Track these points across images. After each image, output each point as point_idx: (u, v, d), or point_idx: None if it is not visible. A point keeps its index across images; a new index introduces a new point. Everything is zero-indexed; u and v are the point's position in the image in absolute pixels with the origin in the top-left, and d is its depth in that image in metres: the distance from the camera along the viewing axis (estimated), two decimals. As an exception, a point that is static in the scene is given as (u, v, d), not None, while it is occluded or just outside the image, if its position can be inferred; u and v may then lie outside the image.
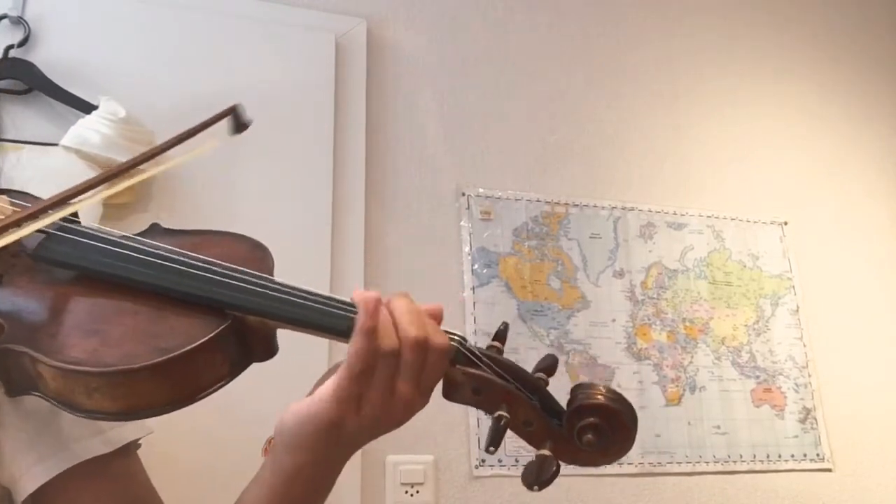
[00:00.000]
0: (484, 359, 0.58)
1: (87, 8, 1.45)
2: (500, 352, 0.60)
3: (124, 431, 0.69)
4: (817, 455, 1.68)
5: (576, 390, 0.58)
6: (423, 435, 1.43)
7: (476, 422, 1.47)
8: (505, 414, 0.56)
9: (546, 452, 0.56)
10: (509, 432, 0.57)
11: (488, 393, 0.57)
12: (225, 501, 0.60)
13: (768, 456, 1.64)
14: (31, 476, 0.64)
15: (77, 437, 0.66)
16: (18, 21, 1.37)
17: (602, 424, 0.56)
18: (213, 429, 1.18)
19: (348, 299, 0.57)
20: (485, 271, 1.59)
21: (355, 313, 0.54)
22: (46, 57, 1.36)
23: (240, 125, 0.77)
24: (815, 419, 1.71)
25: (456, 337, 0.58)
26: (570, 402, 0.57)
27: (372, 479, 1.37)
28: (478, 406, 0.58)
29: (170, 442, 0.73)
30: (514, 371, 0.58)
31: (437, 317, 0.58)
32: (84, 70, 1.38)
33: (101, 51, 1.42)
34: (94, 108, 1.29)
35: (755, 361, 1.72)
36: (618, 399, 0.57)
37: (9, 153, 1.26)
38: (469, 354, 0.57)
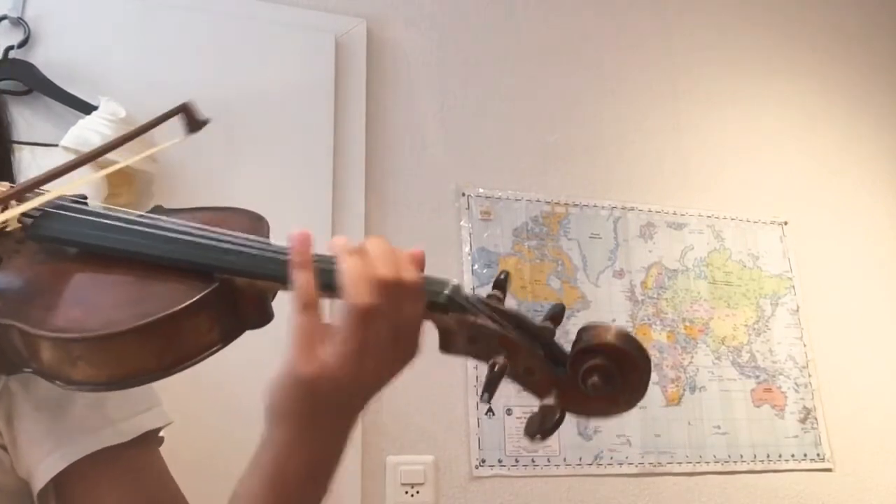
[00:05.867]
0: (480, 305, 0.53)
1: (87, 8, 1.45)
2: (501, 301, 0.55)
3: (140, 420, 0.68)
4: (817, 455, 1.68)
5: (581, 332, 0.52)
6: (423, 435, 1.43)
7: (476, 422, 1.47)
8: (500, 360, 0.51)
9: (550, 402, 0.51)
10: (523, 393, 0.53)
11: (485, 341, 0.53)
12: (223, 494, 0.59)
13: (768, 456, 1.64)
14: (45, 466, 0.63)
15: (91, 428, 0.65)
16: (18, 22, 1.38)
17: (609, 366, 0.50)
18: (212, 420, 1.18)
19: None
20: (485, 271, 1.59)
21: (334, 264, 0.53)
22: (46, 57, 1.36)
23: (194, 124, 0.70)
24: (815, 419, 1.71)
25: (450, 284, 0.55)
26: (574, 344, 0.53)
27: (372, 480, 1.37)
28: (476, 356, 0.54)
29: (167, 434, 0.72)
30: (513, 318, 0.53)
31: (418, 262, 0.55)
32: (84, 70, 1.38)
33: (101, 51, 1.42)
34: (94, 108, 1.30)
35: (755, 361, 1.72)
36: (626, 338, 0.51)
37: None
38: (463, 302, 0.53)
